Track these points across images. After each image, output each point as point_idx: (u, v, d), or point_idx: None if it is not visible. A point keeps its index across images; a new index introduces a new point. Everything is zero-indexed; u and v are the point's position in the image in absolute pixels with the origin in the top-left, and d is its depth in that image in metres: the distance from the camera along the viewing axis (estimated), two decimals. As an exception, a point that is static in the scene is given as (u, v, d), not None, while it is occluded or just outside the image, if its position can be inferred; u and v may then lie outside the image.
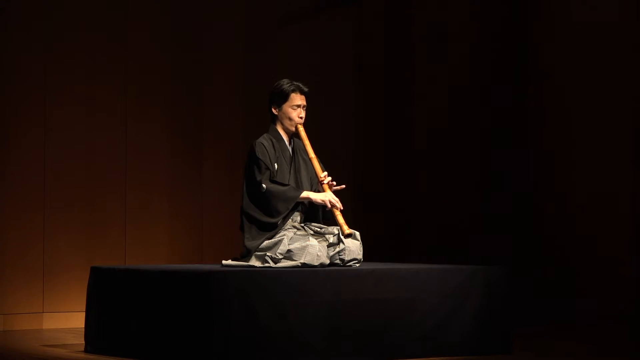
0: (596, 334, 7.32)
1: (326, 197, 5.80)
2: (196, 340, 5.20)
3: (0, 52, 7.35)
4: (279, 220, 5.72)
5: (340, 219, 5.76)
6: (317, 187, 5.95)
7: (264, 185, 5.73)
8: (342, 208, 5.80)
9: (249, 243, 5.70)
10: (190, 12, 8.08)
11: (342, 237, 5.74)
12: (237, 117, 8.19)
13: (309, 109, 6.00)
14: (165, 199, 7.89)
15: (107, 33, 7.71)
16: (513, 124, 8.95)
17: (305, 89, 5.93)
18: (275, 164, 5.83)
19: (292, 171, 5.90)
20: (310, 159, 5.92)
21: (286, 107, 5.92)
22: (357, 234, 5.82)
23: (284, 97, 5.91)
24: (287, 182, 5.84)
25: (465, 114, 8.95)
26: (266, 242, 5.69)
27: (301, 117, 5.92)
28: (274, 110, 5.96)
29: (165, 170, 7.90)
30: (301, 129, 5.92)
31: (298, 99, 5.91)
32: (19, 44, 7.39)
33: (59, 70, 7.51)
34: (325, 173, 5.89)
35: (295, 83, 5.92)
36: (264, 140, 5.88)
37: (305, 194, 5.81)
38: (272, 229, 5.72)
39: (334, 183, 5.90)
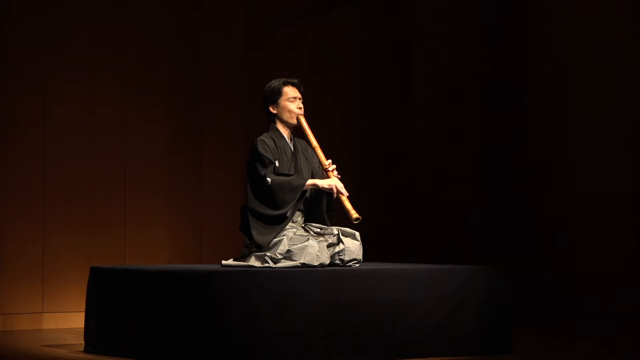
0: (596, 334, 7.32)
1: (332, 182, 5.81)
2: (196, 341, 5.20)
3: (0, 50, 7.35)
4: (287, 211, 5.72)
5: (347, 204, 5.76)
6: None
7: (268, 179, 5.73)
8: (348, 194, 5.81)
9: (261, 238, 5.67)
10: (190, 11, 8.08)
11: (342, 232, 5.76)
12: (236, 117, 8.19)
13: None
14: (164, 199, 7.89)
15: (107, 32, 7.72)
16: (513, 124, 8.95)
17: (295, 80, 5.97)
18: (277, 161, 5.83)
19: (293, 168, 5.90)
20: (313, 148, 5.94)
21: (283, 102, 5.94)
22: (357, 234, 5.82)
23: (277, 93, 5.94)
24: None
25: (464, 113, 8.95)
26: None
27: (300, 108, 5.95)
28: (272, 110, 5.96)
29: (164, 169, 7.90)
30: (302, 120, 5.94)
31: (291, 91, 5.94)
32: (19, 42, 7.39)
33: (59, 69, 7.51)
34: (330, 161, 5.89)
35: (283, 78, 5.96)
36: (265, 137, 5.89)
37: (311, 181, 5.82)
38: (281, 222, 5.71)
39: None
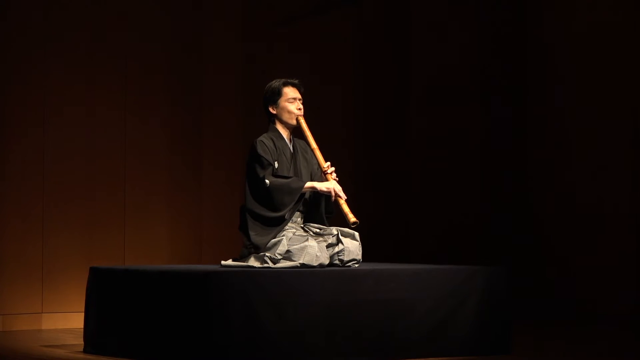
0: (596, 334, 7.32)
1: (331, 185, 5.80)
2: (195, 341, 5.19)
3: (0, 51, 7.37)
4: (285, 213, 5.71)
5: (345, 208, 5.76)
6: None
7: (267, 181, 5.73)
8: (346, 197, 5.80)
9: (258, 239, 5.67)
10: (190, 12, 8.07)
11: (341, 233, 5.75)
12: (236, 117, 8.18)
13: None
14: (164, 200, 7.89)
15: (107, 33, 7.71)
16: (513, 124, 8.95)
17: (295, 81, 5.96)
18: (276, 162, 5.83)
19: (292, 169, 5.90)
20: (312, 150, 5.94)
21: (282, 102, 5.94)
22: (357, 234, 5.81)
23: (277, 94, 5.93)
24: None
25: (464, 113, 8.94)
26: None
27: (300, 109, 5.94)
28: (271, 110, 5.96)
29: (164, 170, 7.90)
30: (302, 121, 5.94)
31: (291, 91, 5.94)
32: (19, 43, 7.39)
33: (59, 70, 7.51)
34: (329, 163, 5.88)
35: (283, 79, 5.95)
36: (264, 138, 5.88)
37: (310, 183, 5.81)
38: (279, 224, 5.70)
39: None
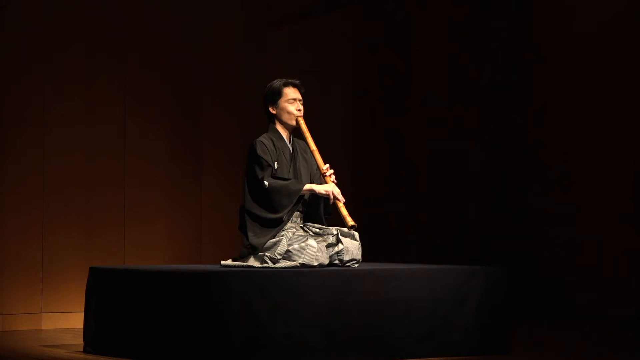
0: (596, 334, 7.31)
1: (329, 188, 5.80)
2: (195, 341, 5.19)
3: (-1, 51, 7.37)
4: (283, 215, 5.71)
5: (343, 210, 5.76)
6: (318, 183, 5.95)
7: (266, 182, 5.73)
8: (344, 200, 5.80)
9: (255, 240, 5.67)
10: (190, 12, 8.07)
11: (341, 233, 5.74)
12: (236, 117, 8.18)
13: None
14: (164, 199, 7.88)
15: (107, 33, 7.71)
16: (513, 124, 8.95)
17: (296, 81, 5.95)
18: (276, 163, 5.83)
19: (292, 170, 5.90)
20: (311, 152, 5.93)
21: (282, 103, 5.93)
22: (356, 234, 5.81)
23: (277, 94, 5.93)
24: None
25: (464, 114, 8.94)
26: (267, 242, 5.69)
27: (299, 110, 5.93)
28: (271, 110, 5.96)
29: (164, 170, 7.90)
30: (302, 122, 5.93)
31: (291, 92, 5.93)
32: (19, 43, 7.38)
33: (59, 69, 7.51)
34: (327, 165, 5.88)
35: (284, 79, 5.94)
36: (264, 139, 5.88)
37: (309, 186, 5.81)
38: (277, 225, 5.70)
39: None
